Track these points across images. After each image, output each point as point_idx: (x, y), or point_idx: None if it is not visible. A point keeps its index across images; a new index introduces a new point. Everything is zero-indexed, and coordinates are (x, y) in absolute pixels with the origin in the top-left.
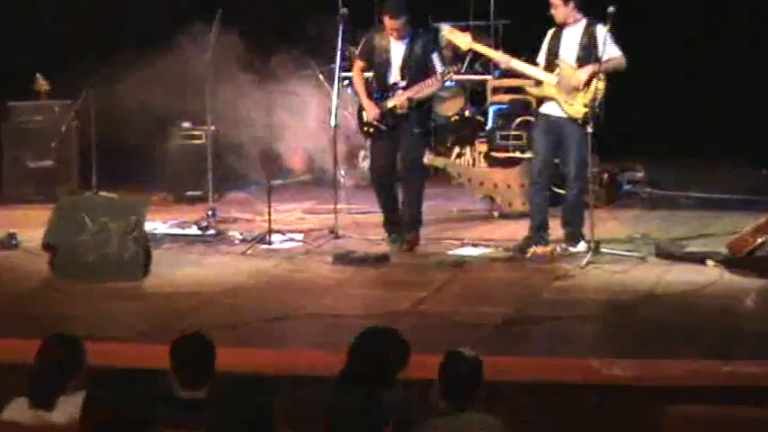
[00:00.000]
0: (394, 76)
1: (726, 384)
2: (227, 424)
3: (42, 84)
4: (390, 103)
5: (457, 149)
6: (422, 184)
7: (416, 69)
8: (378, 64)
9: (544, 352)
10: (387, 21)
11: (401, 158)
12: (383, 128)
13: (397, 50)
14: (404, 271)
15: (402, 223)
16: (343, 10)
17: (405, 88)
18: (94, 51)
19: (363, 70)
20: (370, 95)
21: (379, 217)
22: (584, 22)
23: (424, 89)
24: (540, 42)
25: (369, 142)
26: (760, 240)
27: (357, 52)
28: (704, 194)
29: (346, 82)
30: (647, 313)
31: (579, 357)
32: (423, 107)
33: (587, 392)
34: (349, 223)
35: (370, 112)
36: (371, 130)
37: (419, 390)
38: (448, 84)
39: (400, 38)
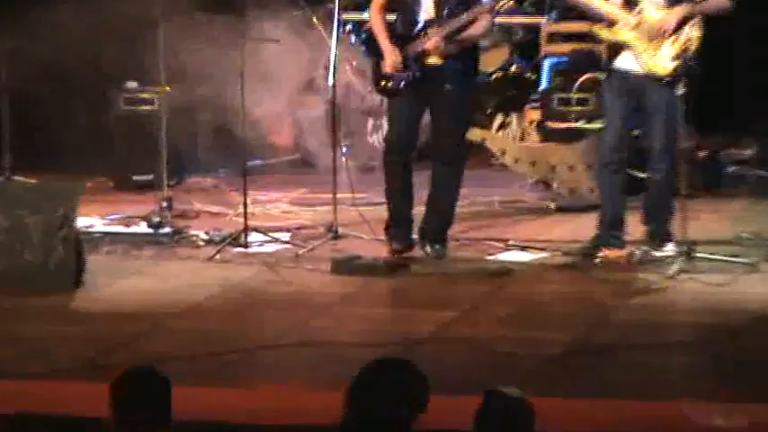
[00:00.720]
0: (426, 11)
1: None
2: None
3: None
4: (420, 46)
5: (499, 118)
6: (461, 167)
7: (457, 3)
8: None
9: (617, 393)
10: None
11: (432, 129)
12: (407, 81)
13: None
14: (426, 284)
15: (427, 226)
16: None
17: (441, 26)
18: None
19: (384, 8)
20: (392, 39)
21: None
22: None
23: (467, 27)
24: None
25: (386, 105)
26: None
27: None
28: None
29: (349, 26)
30: (757, 342)
31: (666, 400)
32: (467, 56)
33: None
34: (353, 219)
35: (391, 59)
36: (390, 84)
37: None
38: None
39: None
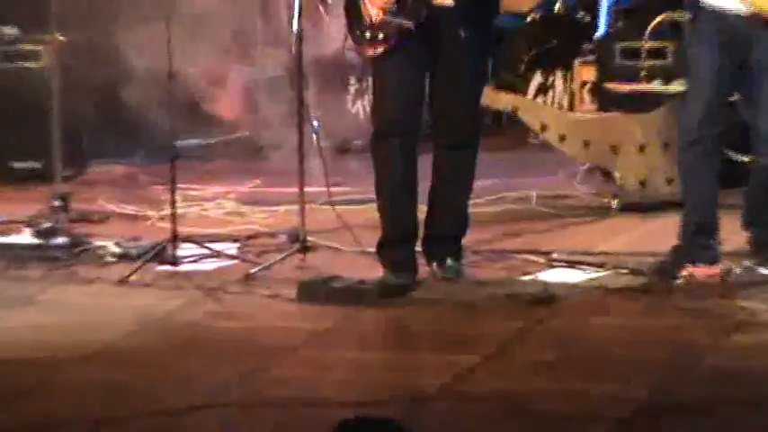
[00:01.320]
0: None
1: None
2: None
3: None
4: None
5: (538, 78)
6: (476, 149)
7: None
8: None
9: None
10: None
11: (436, 98)
12: (405, 30)
13: None
14: (434, 316)
15: (433, 234)
16: None
17: None
18: None
19: None
20: None
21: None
22: None
23: None
24: None
25: (373, 67)
26: None
27: None
28: None
29: None
30: None
31: None
32: None
33: None
34: (328, 222)
35: (378, 2)
36: (381, 37)
37: None
38: None
39: None
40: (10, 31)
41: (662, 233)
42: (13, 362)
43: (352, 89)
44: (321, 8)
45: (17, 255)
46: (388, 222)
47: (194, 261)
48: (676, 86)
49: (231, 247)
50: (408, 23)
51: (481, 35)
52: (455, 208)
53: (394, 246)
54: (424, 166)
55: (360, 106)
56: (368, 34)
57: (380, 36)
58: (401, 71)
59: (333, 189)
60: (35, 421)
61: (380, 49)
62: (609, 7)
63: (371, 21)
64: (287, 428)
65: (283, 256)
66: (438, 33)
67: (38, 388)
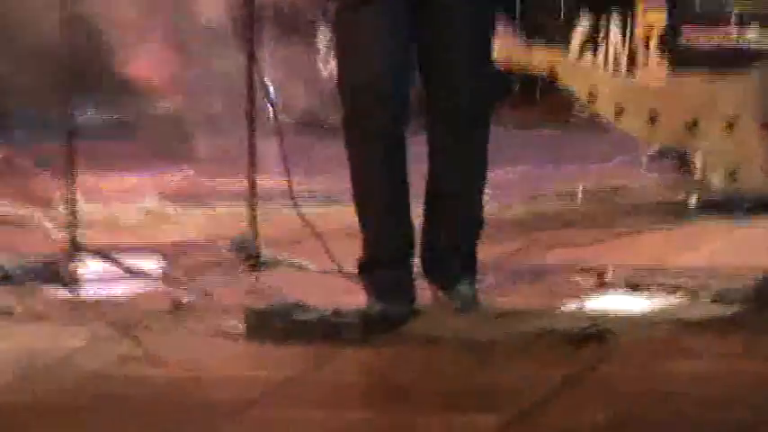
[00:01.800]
0: None
1: None
2: None
3: None
4: None
5: (585, 25)
6: (487, 130)
7: None
8: None
9: None
10: None
11: (425, 58)
12: None
13: None
14: (438, 360)
15: (434, 244)
16: None
17: None
18: None
19: None
20: None
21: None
22: None
23: None
24: None
25: (338, 19)
26: None
27: None
28: None
29: None
30: None
31: None
32: None
33: None
34: (289, 228)
35: None
36: None
37: None
38: None
39: None
40: None
41: (760, 243)
42: None
43: (322, 44)
44: None
45: None
46: (372, 235)
47: (102, 283)
48: None
49: (154, 264)
50: None
51: None
52: (463, 210)
53: (382, 265)
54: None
55: (330, 68)
56: None
57: None
58: (377, 26)
59: (295, 182)
60: None
61: None
62: None
63: None
64: None
65: (226, 270)
66: None
67: None
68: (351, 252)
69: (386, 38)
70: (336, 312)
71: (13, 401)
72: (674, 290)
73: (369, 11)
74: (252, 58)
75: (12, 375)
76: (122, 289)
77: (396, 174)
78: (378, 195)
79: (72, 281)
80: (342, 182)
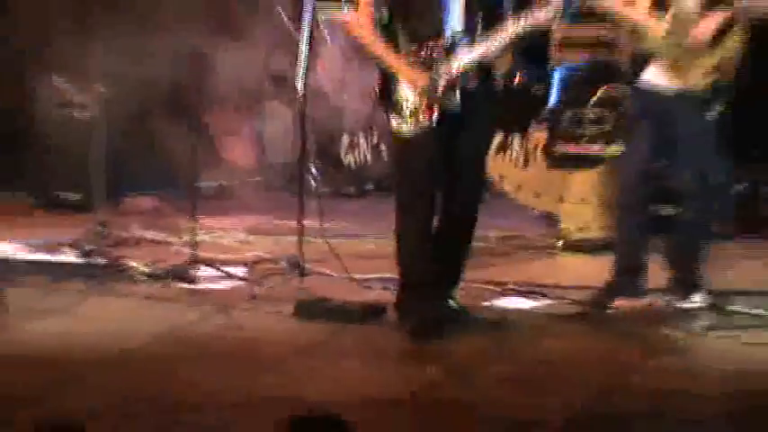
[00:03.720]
0: (453, 19)
1: None
2: None
3: None
4: (456, 66)
5: (499, 137)
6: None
7: (489, 11)
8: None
9: None
10: None
11: (454, 165)
12: (435, 111)
13: None
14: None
15: (444, 274)
16: None
17: (471, 42)
18: None
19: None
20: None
21: (368, 245)
22: None
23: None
24: None
25: (402, 143)
26: None
27: None
28: None
29: (324, 17)
30: None
31: None
32: (491, 76)
33: None
34: (321, 252)
35: (419, 90)
36: (418, 116)
37: None
38: None
39: None
40: (60, 81)
41: (599, 270)
42: (47, 363)
43: (344, 144)
44: (321, 74)
45: (62, 271)
46: (410, 273)
47: (210, 281)
48: (614, 149)
49: (241, 271)
50: (442, 105)
51: (487, 109)
52: (465, 246)
53: (415, 296)
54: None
55: (350, 159)
56: (406, 112)
57: (418, 115)
58: (430, 147)
59: (328, 225)
60: (61, 416)
61: (414, 126)
62: (561, 81)
63: (409, 103)
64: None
65: (284, 278)
66: (460, 112)
67: (66, 386)
68: (362, 267)
69: (432, 158)
70: (346, 303)
71: (153, 350)
72: (547, 296)
73: (423, 138)
74: (304, 153)
75: (155, 337)
76: (222, 285)
77: (429, 226)
78: (421, 244)
79: (192, 279)
80: (358, 226)
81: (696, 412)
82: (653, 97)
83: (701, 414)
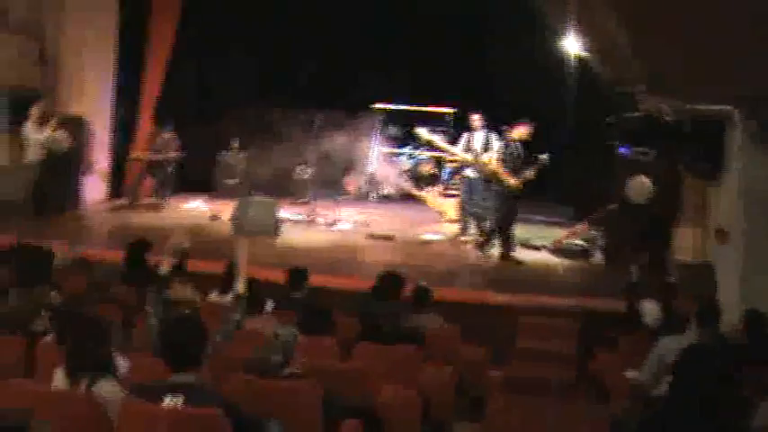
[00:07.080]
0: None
1: (545, 305)
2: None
3: None
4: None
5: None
6: None
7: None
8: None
9: None
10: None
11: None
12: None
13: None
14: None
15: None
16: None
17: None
18: None
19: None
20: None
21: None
22: None
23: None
24: None
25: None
26: (570, 240)
27: None
28: None
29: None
30: None
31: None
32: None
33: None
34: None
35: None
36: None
37: None
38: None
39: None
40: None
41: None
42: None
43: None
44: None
45: (296, 222)
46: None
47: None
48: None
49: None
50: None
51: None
52: None
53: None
54: None
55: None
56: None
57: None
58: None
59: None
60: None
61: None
62: (448, 173)
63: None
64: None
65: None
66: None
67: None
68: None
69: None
70: None
71: (325, 246)
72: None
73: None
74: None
75: (324, 243)
76: (346, 226)
77: None
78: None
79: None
80: (389, 214)
81: None
82: (474, 179)
83: None
